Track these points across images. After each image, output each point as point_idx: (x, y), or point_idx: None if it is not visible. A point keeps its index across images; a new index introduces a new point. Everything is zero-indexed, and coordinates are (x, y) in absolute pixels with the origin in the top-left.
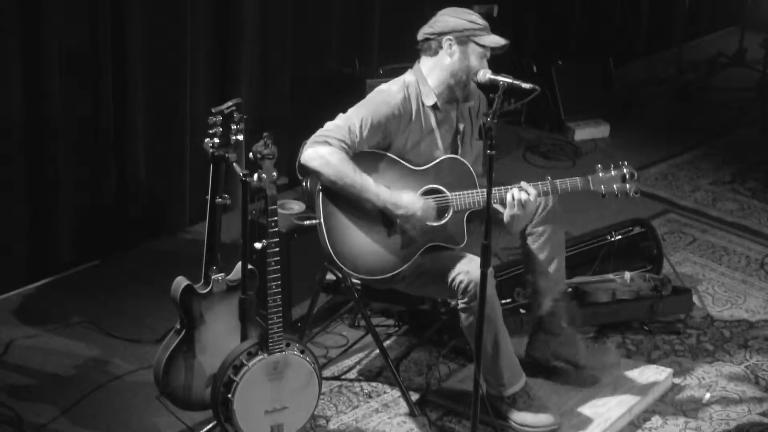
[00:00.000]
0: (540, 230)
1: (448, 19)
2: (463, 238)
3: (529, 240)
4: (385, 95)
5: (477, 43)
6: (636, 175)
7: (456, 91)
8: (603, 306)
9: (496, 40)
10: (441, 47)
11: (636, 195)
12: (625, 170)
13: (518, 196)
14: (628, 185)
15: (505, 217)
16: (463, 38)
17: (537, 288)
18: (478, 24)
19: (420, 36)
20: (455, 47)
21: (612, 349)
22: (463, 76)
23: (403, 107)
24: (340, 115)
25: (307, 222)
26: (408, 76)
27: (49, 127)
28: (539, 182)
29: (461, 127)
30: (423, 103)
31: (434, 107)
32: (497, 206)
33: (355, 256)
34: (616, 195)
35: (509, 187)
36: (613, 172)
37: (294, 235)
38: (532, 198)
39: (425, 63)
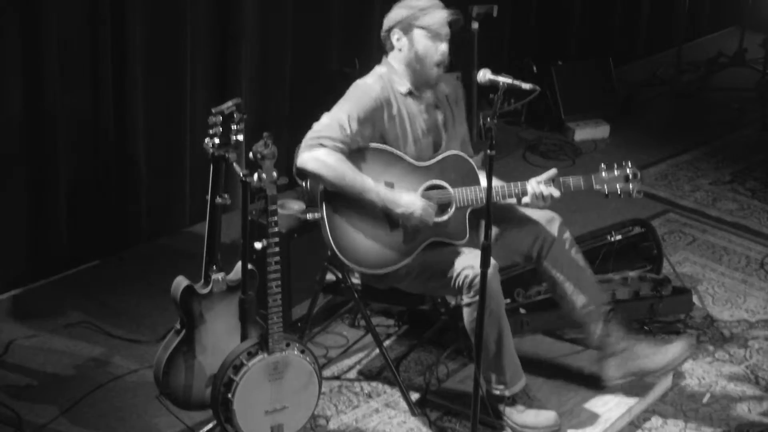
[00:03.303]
0: (555, 258)
1: (391, 13)
2: (465, 234)
3: (548, 272)
4: (364, 87)
5: (420, 26)
6: (639, 175)
7: (416, 80)
8: None
9: (439, 17)
10: (393, 43)
11: (639, 195)
12: (628, 170)
13: (547, 192)
14: (631, 185)
15: (522, 201)
16: (405, 26)
17: (579, 320)
18: (418, 5)
19: (380, 37)
20: (403, 39)
21: (676, 343)
22: (416, 65)
23: (383, 98)
24: (326, 115)
25: (309, 216)
26: (380, 69)
27: (49, 127)
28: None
29: (440, 114)
30: (398, 92)
31: (410, 94)
32: (511, 200)
33: (357, 249)
34: (619, 195)
35: (521, 183)
36: (616, 172)
37: (294, 235)
38: (556, 195)
39: (391, 58)
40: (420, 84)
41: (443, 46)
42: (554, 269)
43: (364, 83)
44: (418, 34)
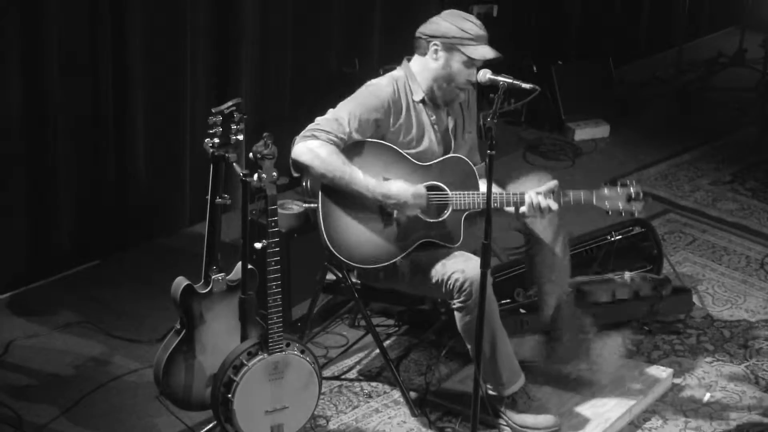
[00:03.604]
0: (543, 230)
1: (441, 22)
2: (459, 238)
3: (530, 231)
4: (374, 88)
5: (464, 53)
6: (642, 194)
7: (437, 95)
8: (603, 306)
9: (483, 53)
10: (428, 50)
11: (641, 215)
12: (631, 189)
13: (545, 204)
14: (633, 206)
15: (519, 211)
16: (450, 45)
17: (542, 290)
18: (469, 34)
19: (417, 33)
20: (441, 53)
21: (614, 340)
22: (443, 84)
23: (392, 100)
24: (330, 110)
25: (305, 205)
26: (397, 72)
27: (49, 127)
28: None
29: (451, 121)
30: (411, 98)
31: (423, 102)
32: (509, 209)
33: (350, 244)
34: (620, 213)
35: (520, 193)
36: (619, 190)
37: (294, 235)
38: (554, 208)
39: (416, 61)
40: (439, 99)
41: (473, 77)
42: (537, 229)
43: (376, 84)
44: (458, 57)
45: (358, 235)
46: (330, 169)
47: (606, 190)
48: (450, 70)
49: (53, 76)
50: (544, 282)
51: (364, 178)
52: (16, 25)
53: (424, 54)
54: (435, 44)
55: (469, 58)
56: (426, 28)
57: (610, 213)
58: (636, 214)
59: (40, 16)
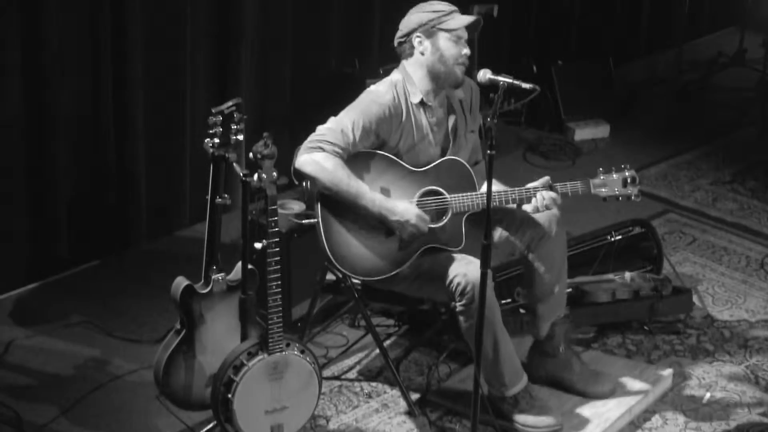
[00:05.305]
0: (543, 254)
1: (412, 17)
2: (461, 241)
3: (531, 262)
4: (374, 96)
5: (444, 30)
6: (638, 178)
7: (440, 83)
8: (603, 306)
9: (462, 21)
10: (413, 47)
11: (637, 199)
12: (626, 173)
13: (548, 197)
14: (629, 189)
15: (524, 208)
16: (429, 30)
17: (536, 312)
18: (441, 10)
19: (395, 42)
20: (425, 42)
21: (608, 379)
22: (440, 68)
23: (393, 107)
24: (332, 119)
25: (305, 221)
26: (395, 75)
27: (49, 127)
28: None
29: (452, 122)
30: (411, 102)
31: (422, 104)
32: (511, 206)
33: (352, 257)
34: (617, 198)
35: (519, 189)
36: (614, 175)
37: (294, 235)
38: (554, 197)
39: (407, 64)
40: (444, 85)
41: (466, 50)
42: (539, 261)
43: (375, 91)
44: (441, 36)
45: (360, 248)
46: (335, 182)
47: (601, 177)
48: (440, 51)
49: (53, 76)
50: (538, 304)
51: (370, 192)
52: (16, 25)
53: (411, 54)
54: (417, 36)
55: (450, 31)
56: (402, 31)
57: (606, 200)
58: (633, 198)
59: (40, 16)
